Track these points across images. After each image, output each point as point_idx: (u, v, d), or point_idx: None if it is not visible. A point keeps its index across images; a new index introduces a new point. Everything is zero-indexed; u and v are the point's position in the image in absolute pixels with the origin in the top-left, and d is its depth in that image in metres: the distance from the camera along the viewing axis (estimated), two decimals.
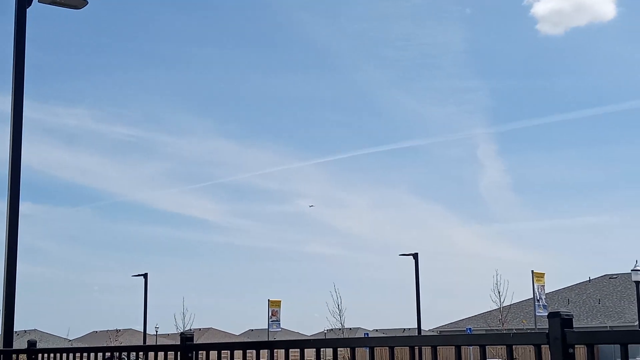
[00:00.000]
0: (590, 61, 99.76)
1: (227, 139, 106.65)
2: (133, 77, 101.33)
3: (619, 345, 4.16)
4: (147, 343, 50.32)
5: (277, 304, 48.99)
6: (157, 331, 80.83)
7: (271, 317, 48.51)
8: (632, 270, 39.59)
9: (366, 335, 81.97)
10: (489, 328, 49.15)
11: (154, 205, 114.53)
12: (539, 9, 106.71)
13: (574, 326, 4.36)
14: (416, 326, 39.32)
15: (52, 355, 9.09)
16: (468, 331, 58.91)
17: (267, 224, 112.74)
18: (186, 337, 7.31)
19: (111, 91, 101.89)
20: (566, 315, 4.34)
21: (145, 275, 45.69)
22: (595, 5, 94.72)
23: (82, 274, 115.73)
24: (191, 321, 50.46)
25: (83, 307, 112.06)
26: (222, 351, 6.78)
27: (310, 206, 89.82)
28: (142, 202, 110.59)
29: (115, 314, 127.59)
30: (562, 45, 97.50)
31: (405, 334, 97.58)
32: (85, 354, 8.58)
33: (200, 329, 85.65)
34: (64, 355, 8.79)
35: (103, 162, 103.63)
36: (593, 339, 4.32)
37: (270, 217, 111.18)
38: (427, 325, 65.55)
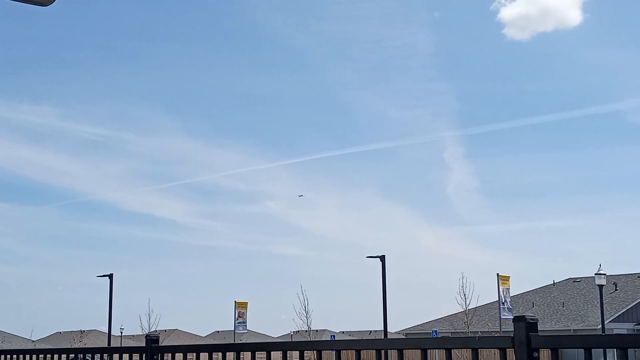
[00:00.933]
0: (555, 66, 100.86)
1: (194, 138, 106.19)
2: (100, 74, 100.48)
3: (582, 349, 4.21)
4: (112, 344, 49.89)
5: (243, 305, 48.84)
6: (122, 332, 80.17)
7: (238, 319, 48.34)
8: (595, 274, 40.12)
9: (333, 338, 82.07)
10: (454, 330, 49.44)
11: (120, 205, 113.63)
12: (505, 14, 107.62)
13: (538, 329, 4.40)
14: (382, 328, 39.41)
15: (14, 356, 8.98)
16: (434, 334, 59.22)
17: (234, 224, 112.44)
18: (151, 339, 7.25)
19: (78, 89, 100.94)
20: (531, 319, 4.38)
21: (110, 276, 45.28)
22: (562, 11, 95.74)
23: (46, 273, 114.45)
24: (157, 322, 49.98)
25: (47, 307, 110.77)
26: (188, 353, 6.74)
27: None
28: (109, 202, 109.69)
29: (80, 314, 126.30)
30: (528, 50, 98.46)
31: (372, 336, 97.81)
32: (48, 356, 8.47)
33: (166, 330, 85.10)
34: (27, 357, 8.68)
35: (69, 160, 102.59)
36: (557, 343, 4.37)
37: (237, 217, 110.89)
38: (394, 327, 65.76)
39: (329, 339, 79.36)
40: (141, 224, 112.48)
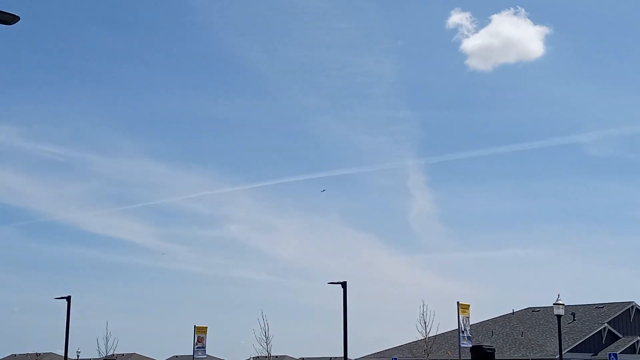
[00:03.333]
0: (517, 97, 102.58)
1: (157, 160, 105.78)
2: (62, 95, 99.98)
3: None
4: None
5: (203, 330, 48.38)
6: (78, 355, 78.92)
7: (197, 344, 47.83)
8: (554, 304, 40.42)
9: None
10: (414, 358, 49.46)
11: (80, 226, 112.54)
12: (468, 45, 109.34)
13: (497, 358, 4.47)
14: (342, 355, 39.28)
15: None
16: None
17: (195, 248, 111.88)
18: None
19: (39, 108, 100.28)
20: (488, 348, 4.45)
21: (68, 298, 44.59)
22: (524, 43, 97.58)
23: (2, 294, 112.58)
24: (114, 346, 49.32)
25: (2, 329, 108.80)
26: None
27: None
28: (68, 223, 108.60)
29: (35, 336, 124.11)
30: (490, 81, 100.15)
31: None
32: None
33: (123, 354, 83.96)
34: None
35: (29, 180, 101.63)
36: None
37: (199, 241, 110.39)
38: (354, 354, 65.61)
39: None
40: (101, 246, 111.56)
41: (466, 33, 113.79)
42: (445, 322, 72.92)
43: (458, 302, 39.20)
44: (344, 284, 36.72)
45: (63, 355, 47.54)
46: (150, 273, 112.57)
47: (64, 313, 44.81)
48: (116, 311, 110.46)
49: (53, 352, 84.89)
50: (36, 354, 77.63)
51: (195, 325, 48.13)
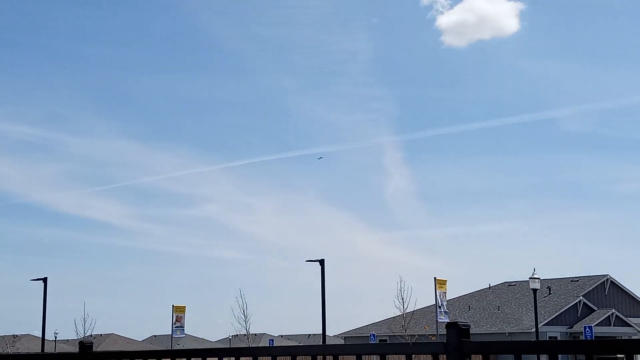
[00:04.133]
0: (492, 73, 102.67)
1: (133, 140, 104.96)
2: (35, 75, 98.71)
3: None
4: (46, 349, 48.91)
5: (181, 309, 48.43)
6: (56, 337, 78.68)
7: (175, 323, 47.91)
8: (529, 278, 40.86)
9: (271, 342, 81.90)
10: (392, 334, 49.84)
11: (55, 207, 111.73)
12: (443, 21, 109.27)
13: (474, 332, 4.49)
14: (321, 332, 39.51)
15: None
16: (372, 337, 59.59)
17: (172, 228, 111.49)
18: (85, 345, 7.15)
19: (12, 89, 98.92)
20: (463, 325, 4.46)
21: (44, 280, 44.41)
22: (499, 19, 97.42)
23: None
24: (92, 327, 49.19)
25: None
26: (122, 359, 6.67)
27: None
28: (43, 204, 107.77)
29: (12, 318, 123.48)
30: (465, 57, 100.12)
31: (311, 339, 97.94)
32: None
33: (101, 335, 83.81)
34: None
35: (3, 161, 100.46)
36: (489, 349, 4.45)
37: (176, 221, 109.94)
38: (333, 331, 66.02)
39: (268, 343, 79.13)
40: (77, 227, 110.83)
41: (441, 9, 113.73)
42: (422, 298, 73.58)
43: (435, 278, 39.55)
44: (321, 262, 36.85)
45: (40, 336, 47.40)
46: (127, 253, 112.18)
47: (40, 295, 44.61)
48: (93, 292, 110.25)
49: (30, 333, 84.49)
50: (13, 336, 77.15)
51: (173, 305, 48.17)
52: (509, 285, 63.87)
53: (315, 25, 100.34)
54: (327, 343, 36.63)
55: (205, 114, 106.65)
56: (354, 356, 5.11)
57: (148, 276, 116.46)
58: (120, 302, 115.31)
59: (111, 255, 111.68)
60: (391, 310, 47.52)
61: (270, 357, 5.72)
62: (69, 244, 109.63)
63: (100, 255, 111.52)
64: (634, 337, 56.19)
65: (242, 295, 44.44)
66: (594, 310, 56.98)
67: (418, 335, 44.61)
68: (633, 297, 60.56)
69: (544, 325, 52.08)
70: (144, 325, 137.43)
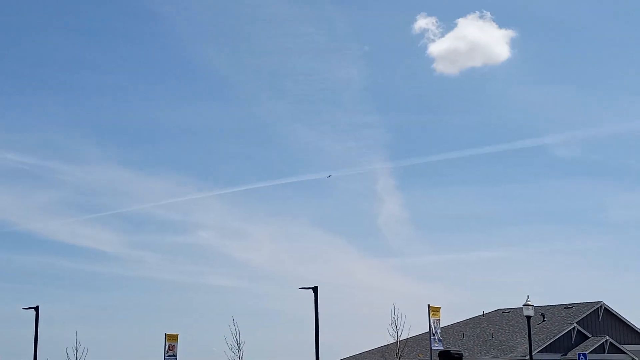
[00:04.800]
0: (484, 100, 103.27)
1: (126, 168, 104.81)
2: (28, 103, 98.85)
3: None
4: None
5: (174, 337, 48.07)
6: None
7: (168, 352, 47.52)
8: (523, 305, 40.80)
9: None
10: None
11: (48, 236, 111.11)
12: (434, 49, 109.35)
13: (468, 359, 4.50)
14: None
15: None
16: None
17: (165, 255, 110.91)
18: None
19: (5, 117, 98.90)
20: (456, 353, 4.47)
21: (36, 308, 44.15)
22: (490, 47, 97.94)
23: None
24: (84, 356, 48.68)
25: None
26: None
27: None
28: (35, 232, 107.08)
29: (3, 348, 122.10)
30: (457, 84, 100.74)
31: None
32: None
33: None
34: None
35: None
36: None
37: (169, 248, 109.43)
38: (326, 359, 65.60)
39: None
40: (69, 255, 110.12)
41: (432, 37, 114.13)
42: (416, 325, 72.85)
43: (429, 305, 39.40)
44: (315, 289, 36.74)
45: None
46: (120, 281, 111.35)
47: (32, 323, 44.31)
48: (85, 320, 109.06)
49: None
50: None
51: (165, 333, 47.84)
52: (502, 313, 63.70)
53: (309, 53, 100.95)
54: None
55: (198, 141, 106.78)
56: None
57: (140, 304, 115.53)
58: (112, 330, 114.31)
59: (103, 283, 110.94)
60: (385, 338, 47.31)
61: None
62: (61, 272, 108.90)
63: (92, 283, 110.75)
64: None
65: (235, 323, 44.16)
66: (588, 337, 56.83)
67: None
68: (627, 324, 60.47)
69: (538, 352, 51.90)
70: (136, 353, 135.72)
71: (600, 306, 59.28)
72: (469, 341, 59.34)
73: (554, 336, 55.46)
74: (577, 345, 55.61)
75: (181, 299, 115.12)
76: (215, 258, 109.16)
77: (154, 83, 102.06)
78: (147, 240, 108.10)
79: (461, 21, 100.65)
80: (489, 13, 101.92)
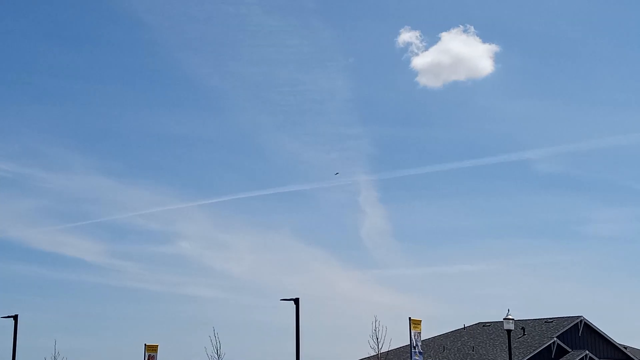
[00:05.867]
0: (467, 114, 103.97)
1: (108, 176, 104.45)
2: (10, 110, 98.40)
3: None
4: None
5: (154, 348, 47.83)
6: None
7: None
8: (504, 318, 40.91)
9: None
10: None
11: (27, 244, 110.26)
12: (418, 62, 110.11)
13: None
14: None
15: None
16: None
17: (146, 265, 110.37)
18: None
19: None
20: None
21: (15, 317, 43.85)
22: (474, 61, 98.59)
23: None
24: None
25: None
26: None
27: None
28: (15, 240, 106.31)
29: None
30: (440, 98, 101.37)
31: None
32: None
33: None
34: None
35: None
36: None
37: (150, 258, 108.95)
38: None
39: None
40: (49, 264, 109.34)
41: (416, 51, 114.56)
42: (397, 338, 72.82)
43: (410, 318, 39.40)
44: (296, 301, 36.68)
45: None
46: (100, 291, 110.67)
47: (11, 332, 44.00)
48: (65, 329, 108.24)
49: None
50: None
51: (145, 344, 47.60)
52: (483, 326, 63.82)
53: (293, 64, 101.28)
54: None
55: (182, 150, 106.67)
56: None
57: (120, 314, 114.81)
58: (92, 340, 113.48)
59: (83, 293, 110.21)
60: (366, 350, 47.27)
61: None
62: (40, 280, 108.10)
63: (72, 292, 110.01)
64: None
65: (216, 334, 43.94)
66: (568, 352, 57.01)
67: None
68: (606, 339, 60.69)
69: None
70: None
71: (580, 321, 59.50)
72: (450, 354, 59.39)
73: (534, 350, 55.58)
74: None
75: (161, 309, 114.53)
76: (197, 268, 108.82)
77: (138, 92, 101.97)
78: (128, 250, 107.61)
79: (445, 35, 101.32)
80: (472, 27, 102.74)
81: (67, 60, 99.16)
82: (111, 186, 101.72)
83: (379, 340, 40.99)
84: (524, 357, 54.50)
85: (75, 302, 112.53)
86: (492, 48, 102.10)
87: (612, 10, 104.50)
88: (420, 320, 40.32)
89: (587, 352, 56.80)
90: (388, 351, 42.36)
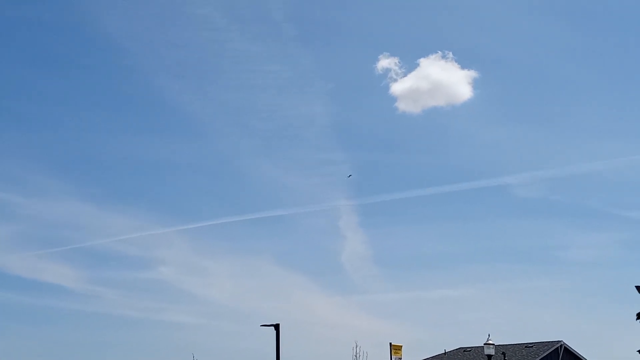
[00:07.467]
0: (446, 139, 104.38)
1: (86, 202, 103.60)
2: None
3: None
4: None
5: None
6: None
7: None
8: (484, 344, 40.96)
9: None
10: None
11: (5, 269, 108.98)
12: (397, 88, 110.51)
13: None
14: None
15: None
16: None
17: (125, 291, 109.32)
18: None
19: None
20: None
21: None
22: (452, 87, 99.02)
23: None
24: None
25: None
26: None
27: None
28: None
29: None
30: (419, 123, 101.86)
31: None
32: None
33: None
34: None
35: None
36: None
37: (129, 284, 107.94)
38: None
39: None
40: (26, 290, 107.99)
41: (395, 77, 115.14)
42: None
43: (390, 343, 39.42)
44: (276, 327, 36.57)
45: None
46: (78, 317, 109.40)
47: None
48: (42, 356, 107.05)
49: None
50: None
51: None
52: (464, 351, 63.77)
53: (273, 89, 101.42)
54: None
55: (161, 175, 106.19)
56: None
57: (99, 340, 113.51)
58: None
59: (62, 319, 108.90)
60: None
61: None
62: (18, 306, 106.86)
63: (50, 319, 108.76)
64: None
65: None
66: None
67: None
68: None
69: None
70: None
71: (561, 345, 59.62)
72: None
73: None
74: None
75: (141, 335, 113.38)
76: (176, 294, 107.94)
77: (117, 117, 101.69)
78: (107, 276, 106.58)
79: (423, 61, 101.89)
80: (451, 53, 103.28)
81: (46, 85, 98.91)
82: (90, 212, 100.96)
83: None
84: None
85: (54, 329, 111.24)
86: (470, 74, 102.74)
87: (589, 40, 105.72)
88: (401, 346, 40.33)
89: None
90: None
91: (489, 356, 40.63)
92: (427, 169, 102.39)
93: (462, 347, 64.71)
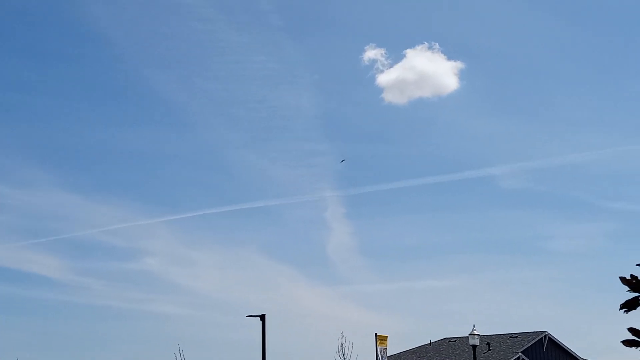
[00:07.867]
0: (432, 130, 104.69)
1: (72, 193, 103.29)
2: None
3: None
4: None
5: None
6: None
7: None
8: (469, 334, 41.15)
9: None
10: None
11: None
12: (383, 79, 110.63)
13: None
14: None
15: None
16: None
17: (111, 282, 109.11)
18: None
19: None
20: None
21: None
22: (439, 78, 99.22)
23: None
24: None
25: None
26: None
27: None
28: None
29: None
30: (406, 114, 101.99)
31: None
32: None
33: None
34: None
35: None
36: None
37: (115, 275, 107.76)
38: None
39: None
40: (12, 281, 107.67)
41: (381, 68, 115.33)
42: (363, 354, 73.05)
43: (376, 334, 39.52)
44: (262, 317, 36.58)
45: None
46: (64, 308, 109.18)
47: None
48: (28, 348, 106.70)
49: None
50: None
51: None
52: (449, 341, 64.06)
53: (260, 80, 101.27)
54: None
55: (147, 166, 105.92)
56: None
57: (85, 331, 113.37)
58: (55, 357, 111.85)
59: (47, 310, 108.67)
60: None
61: None
62: (3, 298, 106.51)
63: (35, 310, 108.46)
64: None
65: (181, 351, 43.61)
66: None
67: None
68: (571, 354, 61.25)
69: None
70: None
71: (545, 336, 60.00)
72: None
73: None
74: None
75: (127, 326, 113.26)
76: (162, 285, 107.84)
77: (104, 108, 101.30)
78: (93, 267, 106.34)
79: (409, 52, 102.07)
80: (437, 44, 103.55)
81: (32, 76, 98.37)
82: (76, 202, 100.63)
83: (345, 356, 41.04)
84: None
85: (39, 320, 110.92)
86: (457, 65, 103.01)
87: (575, 32, 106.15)
88: (387, 336, 40.44)
89: None
90: None
91: (474, 346, 40.83)
92: (412, 160, 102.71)
93: (447, 338, 65.01)
